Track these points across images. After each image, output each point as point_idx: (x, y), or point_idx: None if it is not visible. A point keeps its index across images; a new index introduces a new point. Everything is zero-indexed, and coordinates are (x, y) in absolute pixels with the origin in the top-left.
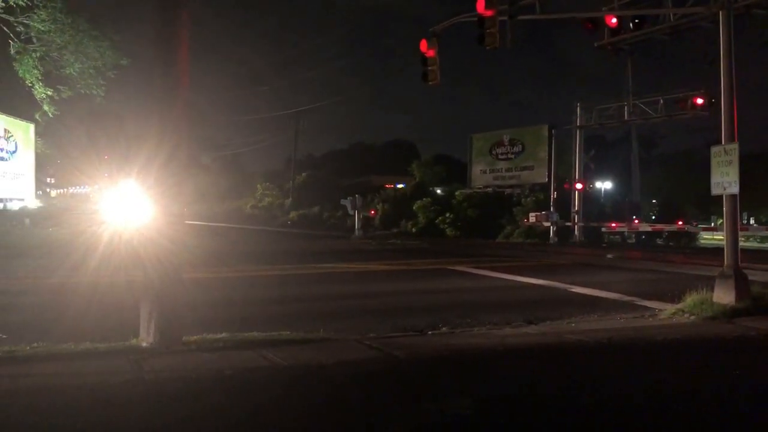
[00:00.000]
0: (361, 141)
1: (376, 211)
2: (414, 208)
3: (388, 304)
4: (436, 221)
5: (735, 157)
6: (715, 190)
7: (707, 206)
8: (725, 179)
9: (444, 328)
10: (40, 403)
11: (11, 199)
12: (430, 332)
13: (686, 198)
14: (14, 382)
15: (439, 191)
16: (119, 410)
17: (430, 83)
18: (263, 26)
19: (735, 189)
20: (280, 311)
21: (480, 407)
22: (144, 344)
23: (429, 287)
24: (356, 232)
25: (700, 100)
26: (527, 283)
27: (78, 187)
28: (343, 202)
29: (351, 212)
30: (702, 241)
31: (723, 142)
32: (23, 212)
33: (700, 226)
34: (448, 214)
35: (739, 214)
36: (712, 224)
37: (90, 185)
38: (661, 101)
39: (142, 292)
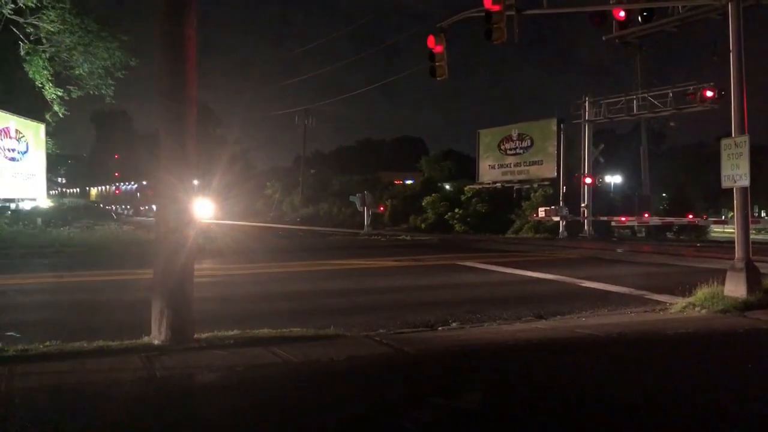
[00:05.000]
0: (370, 137)
1: (386, 207)
2: (423, 204)
3: (398, 299)
4: (446, 217)
5: (745, 150)
6: (726, 183)
7: (718, 199)
8: (736, 172)
9: (454, 324)
10: (53, 402)
11: (23, 199)
12: (440, 328)
13: (696, 191)
14: (27, 381)
15: (447, 187)
16: (131, 408)
17: (438, 78)
18: (268, 25)
19: (746, 182)
20: (289, 307)
21: (490, 403)
22: (156, 342)
23: (439, 283)
24: (365, 229)
25: (709, 93)
26: (537, 277)
27: (124, 183)
28: (352, 198)
29: (360, 209)
30: (712, 234)
31: (733, 135)
32: (35, 212)
33: (710, 219)
34: (457, 210)
35: (750, 206)
36: (723, 217)
37: (137, 182)
38: (671, 94)
39: (153, 290)
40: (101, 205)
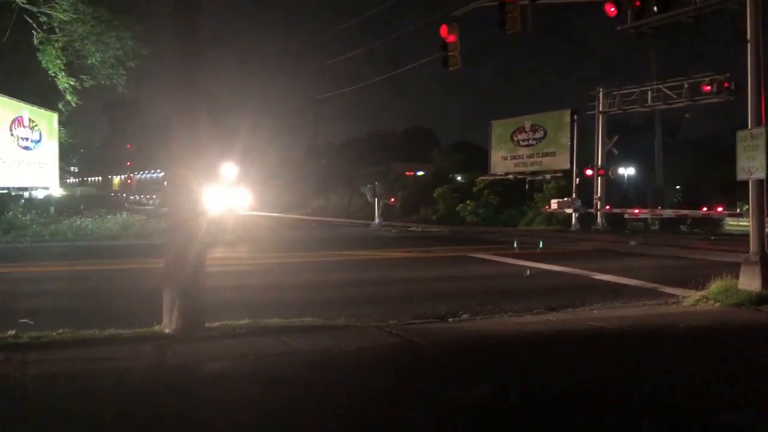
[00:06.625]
0: (381, 128)
1: (396, 198)
2: (434, 195)
3: (409, 291)
4: (457, 208)
5: (762, 142)
6: (741, 176)
7: (732, 192)
8: (751, 164)
9: (465, 315)
10: (66, 388)
11: (36, 188)
12: (450, 319)
13: (711, 183)
14: (41, 368)
15: (459, 178)
16: (143, 395)
17: (451, 69)
18: (277, 14)
19: (761, 174)
20: (300, 297)
21: (500, 394)
22: (167, 330)
23: (449, 274)
24: (376, 220)
25: (725, 84)
26: (549, 270)
27: (149, 172)
28: (363, 189)
29: (371, 200)
30: (727, 228)
31: (749, 126)
32: (48, 201)
33: (725, 212)
34: (468, 202)
35: (765, 199)
36: (738, 210)
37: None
38: (686, 85)
39: (164, 279)
40: (120, 194)
